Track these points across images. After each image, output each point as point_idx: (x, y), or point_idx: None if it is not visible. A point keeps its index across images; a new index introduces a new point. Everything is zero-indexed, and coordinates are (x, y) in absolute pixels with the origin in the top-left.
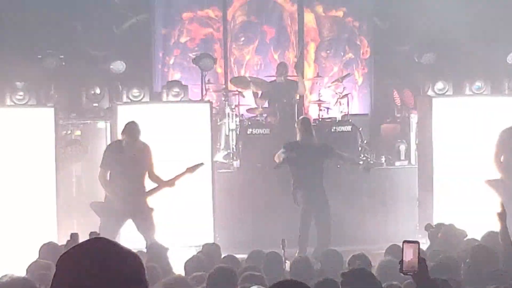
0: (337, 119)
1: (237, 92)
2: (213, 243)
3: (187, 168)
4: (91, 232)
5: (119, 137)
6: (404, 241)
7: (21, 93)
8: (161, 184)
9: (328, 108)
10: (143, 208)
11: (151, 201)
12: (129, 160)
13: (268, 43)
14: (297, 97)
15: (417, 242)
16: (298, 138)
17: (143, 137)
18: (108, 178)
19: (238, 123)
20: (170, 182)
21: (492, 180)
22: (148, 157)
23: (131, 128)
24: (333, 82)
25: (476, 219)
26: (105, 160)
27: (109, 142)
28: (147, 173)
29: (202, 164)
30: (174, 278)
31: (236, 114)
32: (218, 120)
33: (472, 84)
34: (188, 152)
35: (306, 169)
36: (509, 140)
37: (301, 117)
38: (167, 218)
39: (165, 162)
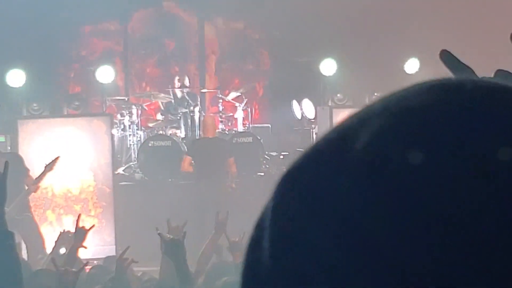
0: (238, 130)
1: (138, 105)
2: (115, 255)
3: (45, 166)
4: None
5: (20, 151)
6: None
7: None
8: (25, 191)
9: (229, 120)
10: (27, 222)
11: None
12: None
13: (168, 56)
14: (197, 110)
15: None
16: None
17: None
18: None
19: (139, 135)
20: (33, 187)
21: None
22: (19, 168)
23: None
24: (234, 94)
25: None
26: None
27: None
28: (24, 184)
29: (58, 158)
30: None
31: (137, 127)
32: (120, 133)
33: (371, 95)
34: (90, 165)
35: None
36: None
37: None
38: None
39: (68, 176)
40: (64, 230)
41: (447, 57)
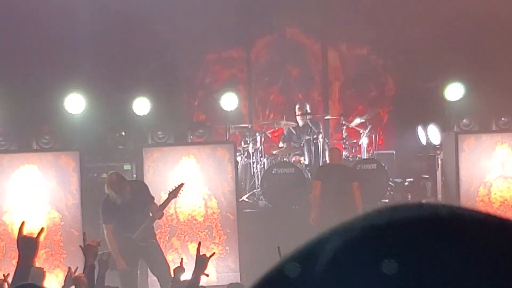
0: (362, 157)
1: (261, 132)
2: (238, 282)
3: (169, 193)
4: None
5: (145, 178)
6: None
7: (47, 137)
8: (150, 218)
9: (352, 147)
10: (152, 249)
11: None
12: (125, 210)
13: (292, 83)
14: (320, 137)
15: None
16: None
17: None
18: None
19: (263, 162)
20: (158, 214)
21: None
22: (144, 196)
23: (113, 183)
24: (358, 120)
25: None
26: (106, 217)
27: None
28: (149, 211)
29: (182, 184)
30: None
31: (260, 154)
32: (243, 160)
33: (498, 120)
34: (214, 192)
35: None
36: None
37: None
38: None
39: (192, 203)
40: (69, 270)
41: None
